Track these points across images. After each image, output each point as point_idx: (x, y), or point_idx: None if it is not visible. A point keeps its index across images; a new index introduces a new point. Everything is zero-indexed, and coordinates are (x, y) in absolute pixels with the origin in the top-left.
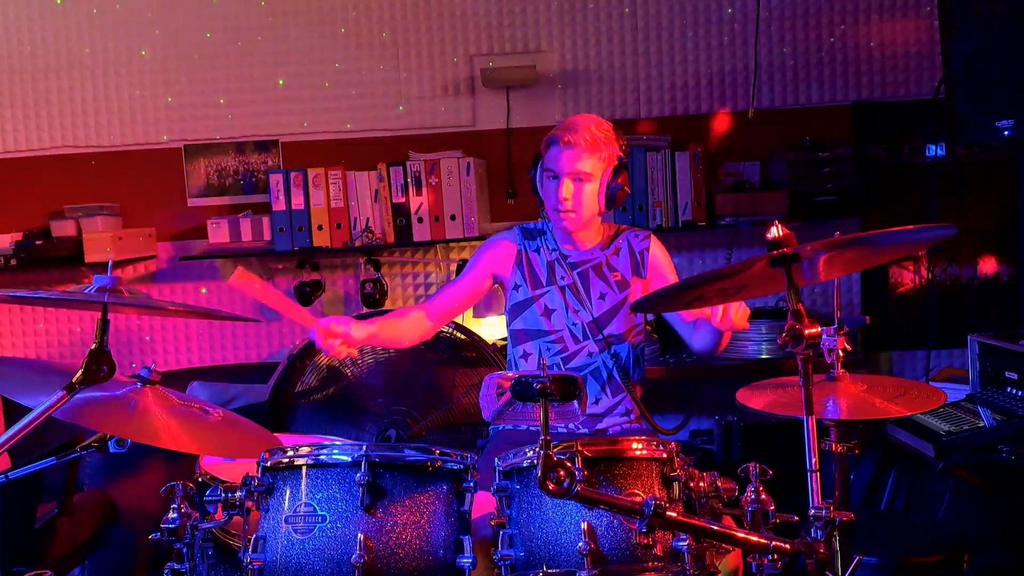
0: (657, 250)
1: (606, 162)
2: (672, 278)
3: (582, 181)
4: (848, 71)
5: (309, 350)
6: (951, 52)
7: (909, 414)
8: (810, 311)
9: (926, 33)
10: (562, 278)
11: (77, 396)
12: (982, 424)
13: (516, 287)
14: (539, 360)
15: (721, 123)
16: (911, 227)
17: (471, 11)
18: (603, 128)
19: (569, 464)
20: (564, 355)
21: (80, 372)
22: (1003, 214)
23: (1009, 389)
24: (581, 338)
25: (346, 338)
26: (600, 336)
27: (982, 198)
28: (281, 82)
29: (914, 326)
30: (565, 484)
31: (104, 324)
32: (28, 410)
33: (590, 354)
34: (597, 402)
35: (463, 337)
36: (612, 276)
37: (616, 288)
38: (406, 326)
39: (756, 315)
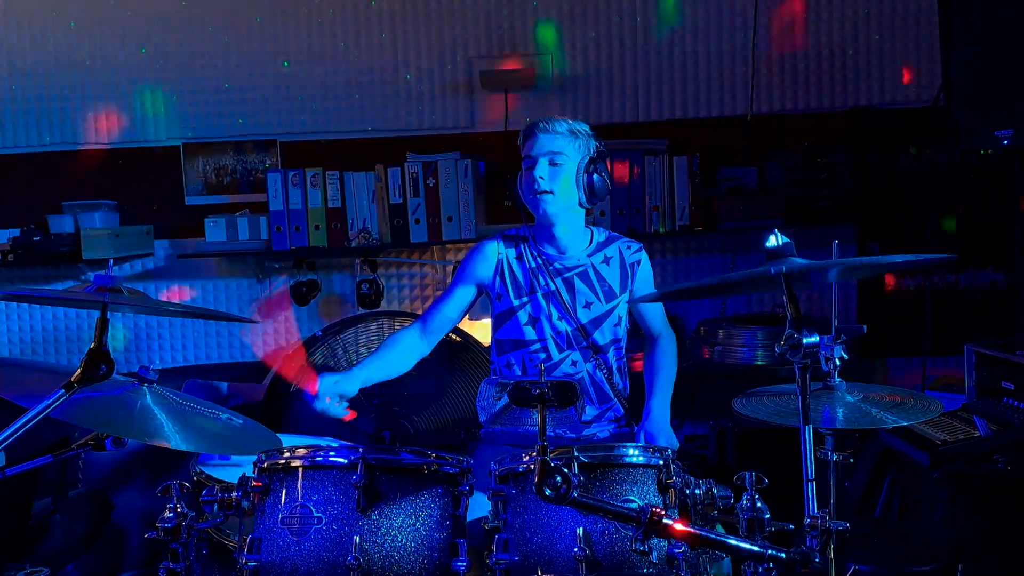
0: (646, 265)
1: (580, 151)
2: (651, 291)
3: (558, 165)
4: (847, 77)
5: (304, 351)
6: (951, 60)
7: (905, 424)
8: (806, 318)
9: (926, 40)
10: (545, 285)
11: (76, 395)
12: (978, 434)
13: (499, 297)
14: (524, 369)
15: (719, 128)
16: (912, 257)
17: (471, 13)
18: (579, 124)
19: (566, 470)
20: (547, 364)
21: (79, 371)
22: (1001, 223)
23: (1005, 399)
24: (565, 347)
25: (343, 397)
26: (585, 344)
27: (980, 207)
28: (286, 64)
29: (911, 334)
30: (562, 490)
31: (103, 324)
32: (21, 408)
33: (574, 363)
34: (584, 411)
35: (457, 339)
36: (600, 285)
37: (603, 298)
38: (400, 356)
39: (751, 321)
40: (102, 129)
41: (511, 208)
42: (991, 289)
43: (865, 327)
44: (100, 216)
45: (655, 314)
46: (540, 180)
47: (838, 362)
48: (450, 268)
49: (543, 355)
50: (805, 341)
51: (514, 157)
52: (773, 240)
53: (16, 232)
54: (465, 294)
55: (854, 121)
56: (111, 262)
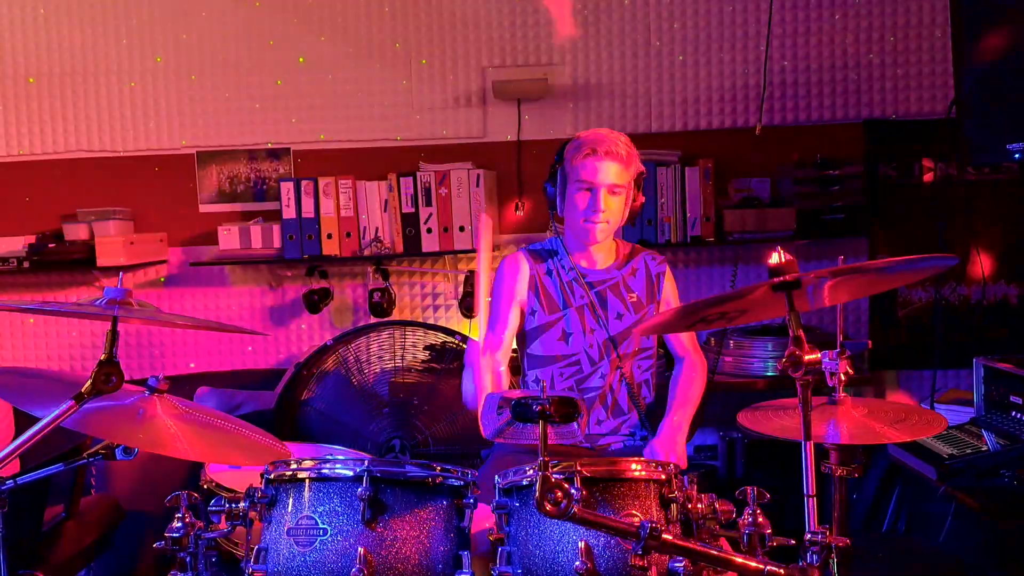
0: (670, 277)
1: (632, 176)
2: (676, 304)
3: (615, 194)
4: (860, 89)
5: (316, 359)
6: (963, 73)
7: (909, 440)
8: (816, 329)
9: (939, 52)
10: (581, 297)
11: (87, 405)
12: (985, 448)
13: (532, 312)
14: (554, 384)
15: (732, 139)
16: (913, 257)
17: (484, 23)
18: (630, 143)
19: (567, 485)
20: (579, 377)
21: (89, 382)
22: (1013, 236)
23: (1014, 413)
24: (596, 359)
25: None
26: (613, 355)
27: (992, 220)
28: (302, 59)
29: (922, 346)
30: (563, 506)
31: (113, 336)
32: (37, 417)
33: (603, 376)
34: (599, 423)
35: (462, 345)
36: (628, 296)
37: (632, 309)
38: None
39: (763, 332)
40: (117, 136)
41: (523, 217)
42: (1003, 302)
43: (869, 342)
44: (114, 223)
45: (679, 336)
46: (603, 212)
47: (843, 377)
48: (461, 277)
49: (575, 368)
50: (807, 357)
51: (525, 167)
52: (776, 257)
53: (31, 239)
54: (516, 315)
55: (867, 133)
56: (121, 275)
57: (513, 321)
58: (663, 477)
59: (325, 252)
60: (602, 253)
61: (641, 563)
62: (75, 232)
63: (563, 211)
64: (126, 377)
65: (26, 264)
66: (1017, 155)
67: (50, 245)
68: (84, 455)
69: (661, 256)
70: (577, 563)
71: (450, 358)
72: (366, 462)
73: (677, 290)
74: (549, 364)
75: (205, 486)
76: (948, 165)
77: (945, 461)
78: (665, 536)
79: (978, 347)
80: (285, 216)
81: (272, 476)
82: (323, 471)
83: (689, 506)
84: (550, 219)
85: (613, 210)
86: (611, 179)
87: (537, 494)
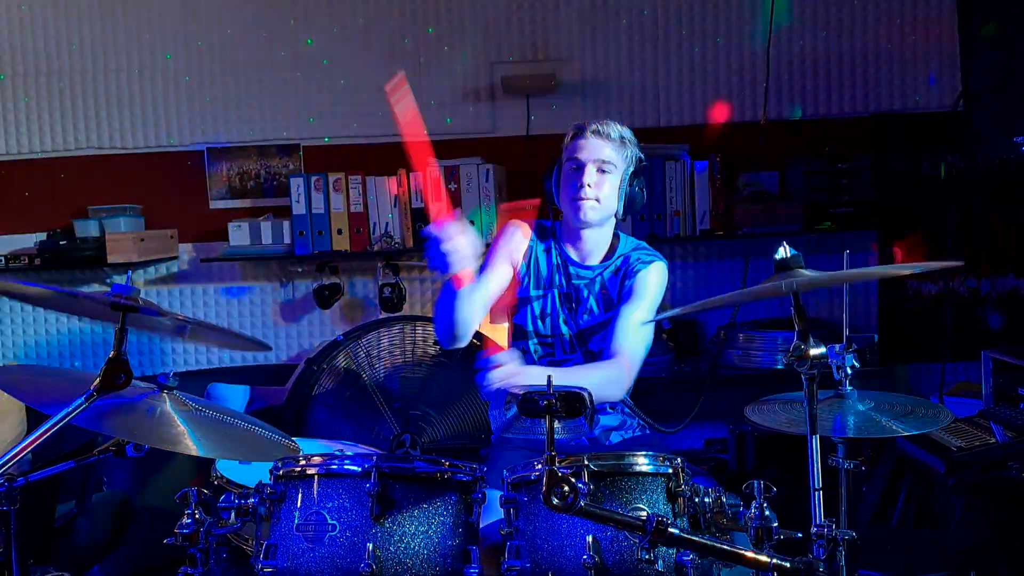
0: (647, 276)
1: (626, 161)
2: (643, 307)
3: (605, 172)
4: (868, 82)
5: (326, 354)
6: (970, 66)
7: (915, 433)
8: (825, 321)
9: (947, 46)
10: (560, 285)
11: (97, 402)
12: (994, 440)
13: (521, 281)
14: (532, 358)
15: (740, 132)
16: (913, 263)
17: (492, 19)
18: (627, 131)
19: (573, 480)
20: (552, 360)
21: (98, 380)
22: (1021, 229)
23: (1022, 406)
24: (568, 349)
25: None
26: (582, 350)
27: (1000, 212)
28: (310, 41)
29: (931, 339)
30: (569, 500)
31: (122, 333)
32: (48, 415)
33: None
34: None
35: (477, 343)
36: (602, 295)
37: (602, 308)
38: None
39: (773, 326)
40: (127, 134)
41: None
42: (1012, 295)
43: (876, 336)
44: (125, 220)
45: (620, 330)
46: (587, 188)
47: (849, 371)
48: None
49: (548, 349)
50: (812, 352)
51: (534, 162)
52: (781, 252)
53: (43, 236)
54: (502, 272)
55: (875, 126)
56: (129, 272)
57: (497, 277)
58: (669, 471)
59: (335, 248)
60: (594, 246)
61: (648, 557)
62: (86, 229)
63: (559, 201)
64: (137, 373)
65: (37, 261)
66: None
67: (61, 242)
68: (94, 452)
69: (655, 258)
70: (585, 557)
71: (460, 352)
72: (374, 458)
73: (656, 287)
74: (526, 338)
75: (215, 482)
76: (957, 158)
77: (954, 454)
78: (671, 530)
79: (988, 340)
80: (295, 212)
81: (281, 472)
82: (331, 467)
83: (696, 499)
84: (550, 213)
85: (603, 190)
86: (598, 155)
87: (544, 488)
